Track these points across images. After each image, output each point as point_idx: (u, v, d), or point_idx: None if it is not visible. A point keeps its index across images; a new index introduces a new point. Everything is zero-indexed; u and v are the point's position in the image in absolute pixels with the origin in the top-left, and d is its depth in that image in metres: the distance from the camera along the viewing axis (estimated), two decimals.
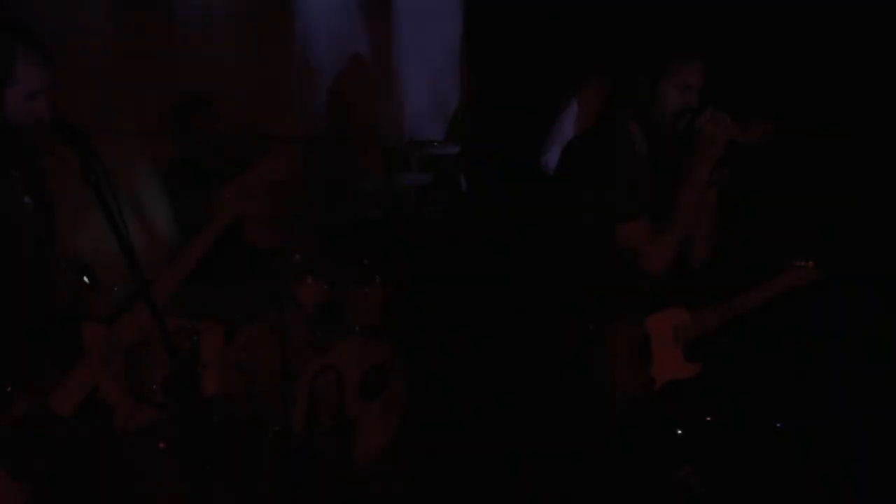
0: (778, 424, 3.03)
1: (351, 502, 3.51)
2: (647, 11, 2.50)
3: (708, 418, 3.11)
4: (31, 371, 1.78)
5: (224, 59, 4.41)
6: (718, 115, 2.32)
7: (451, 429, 3.92)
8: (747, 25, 3.68)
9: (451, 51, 5.68)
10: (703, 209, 2.47)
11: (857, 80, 3.46)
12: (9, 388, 1.76)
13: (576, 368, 2.55)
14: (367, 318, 4.22)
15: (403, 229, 5.07)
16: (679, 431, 2.97)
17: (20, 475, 1.74)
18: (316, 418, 3.50)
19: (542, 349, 2.78)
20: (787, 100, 3.53)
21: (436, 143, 5.52)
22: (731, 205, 2.64)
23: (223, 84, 4.18)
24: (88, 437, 1.86)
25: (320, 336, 3.65)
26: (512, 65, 5.48)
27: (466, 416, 3.98)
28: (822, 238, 2.47)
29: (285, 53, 4.91)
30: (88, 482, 1.93)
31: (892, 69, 3.38)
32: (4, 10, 2.72)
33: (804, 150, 3.32)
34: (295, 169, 2.31)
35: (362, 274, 4.35)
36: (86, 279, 2.14)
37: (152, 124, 4.00)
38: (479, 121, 5.85)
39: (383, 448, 3.71)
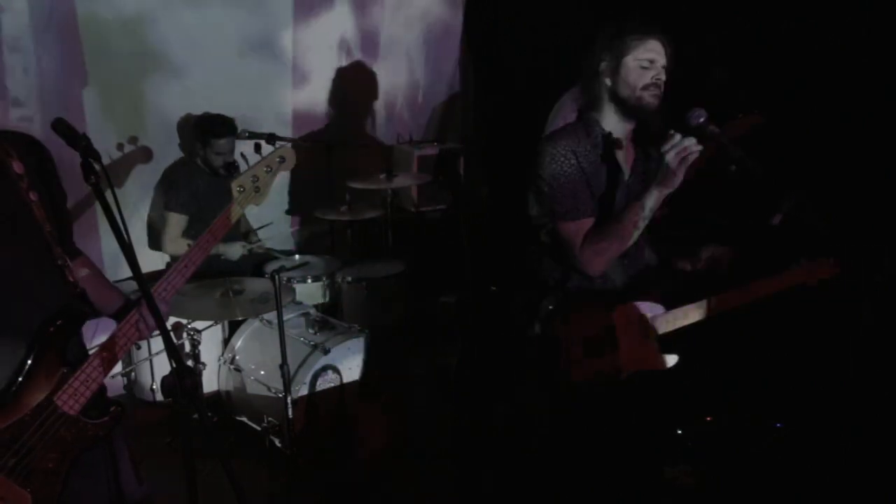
0: (778, 424, 3.03)
1: (351, 502, 3.51)
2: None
3: (707, 419, 3.11)
4: (40, 370, 1.78)
5: None
6: (685, 143, 2.25)
7: (450, 428, 3.92)
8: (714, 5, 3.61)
9: (451, 49, 5.68)
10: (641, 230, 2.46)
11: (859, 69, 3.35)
12: (13, 388, 1.76)
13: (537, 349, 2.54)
14: (367, 317, 4.23)
15: (403, 229, 5.07)
16: (678, 431, 2.98)
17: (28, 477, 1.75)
18: (316, 418, 3.50)
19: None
20: (786, 91, 3.48)
21: (435, 143, 5.53)
22: (723, 199, 2.63)
23: None
24: (99, 436, 1.87)
25: (320, 336, 3.65)
26: (512, 63, 5.47)
27: (465, 417, 3.98)
28: (813, 238, 2.42)
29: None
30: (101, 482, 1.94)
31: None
32: None
33: (802, 142, 3.26)
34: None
35: (363, 275, 4.36)
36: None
37: None
38: (479, 120, 5.85)
39: (383, 448, 3.71)
